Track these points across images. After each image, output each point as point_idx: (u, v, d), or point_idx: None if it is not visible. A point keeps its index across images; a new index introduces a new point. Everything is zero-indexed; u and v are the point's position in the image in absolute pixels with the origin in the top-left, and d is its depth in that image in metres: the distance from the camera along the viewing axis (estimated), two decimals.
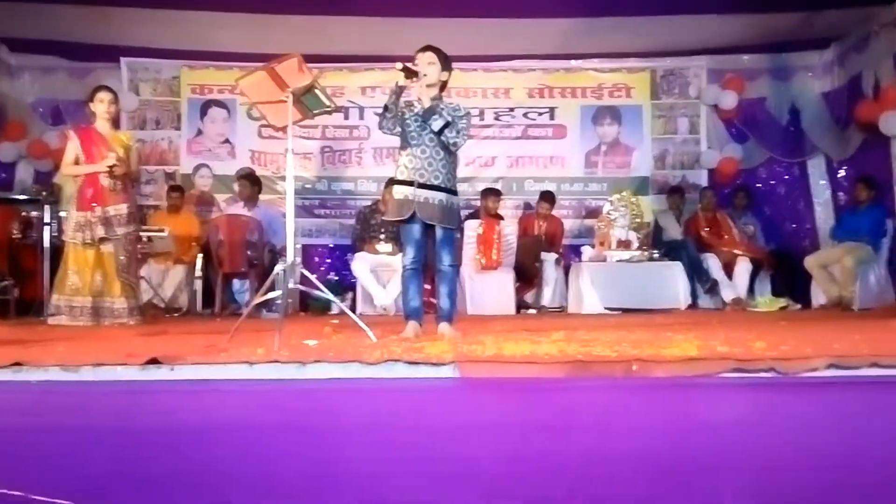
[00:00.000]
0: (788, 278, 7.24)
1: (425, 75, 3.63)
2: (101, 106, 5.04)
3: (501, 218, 7.32)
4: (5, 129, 7.66)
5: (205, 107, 8.14)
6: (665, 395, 2.16)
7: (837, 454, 1.96)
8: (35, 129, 7.82)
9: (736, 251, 7.16)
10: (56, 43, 7.49)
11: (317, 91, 3.64)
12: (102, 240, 4.91)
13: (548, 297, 7.11)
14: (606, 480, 1.97)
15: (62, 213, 5.55)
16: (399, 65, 3.54)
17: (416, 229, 3.72)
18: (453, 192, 3.74)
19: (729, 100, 7.96)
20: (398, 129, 3.70)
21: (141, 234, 5.75)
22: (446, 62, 3.73)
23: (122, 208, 4.97)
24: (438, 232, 3.72)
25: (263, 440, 2.02)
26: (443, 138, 3.60)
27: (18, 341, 3.46)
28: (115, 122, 5.44)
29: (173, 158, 8.11)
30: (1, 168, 7.83)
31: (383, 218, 6.20)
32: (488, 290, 6.75)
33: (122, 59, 7.93)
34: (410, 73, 3.55)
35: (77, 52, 7.67)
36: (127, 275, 4.99)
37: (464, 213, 7.38)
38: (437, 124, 3.56)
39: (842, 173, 7.79)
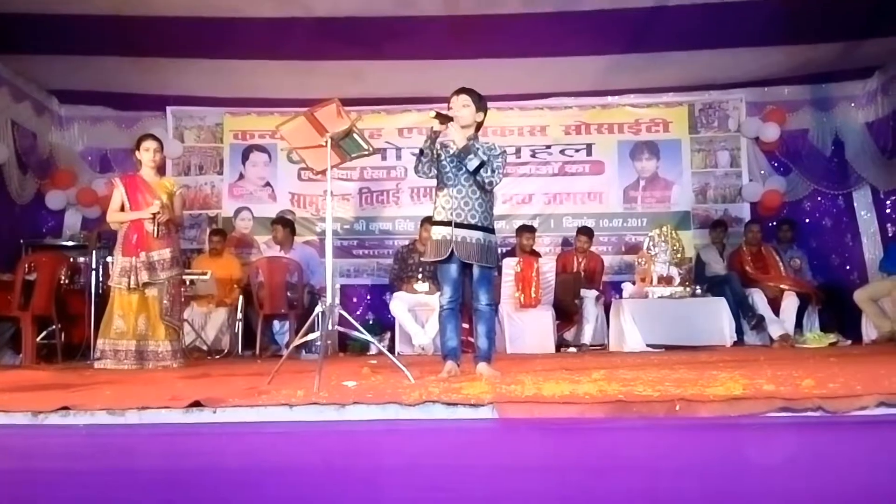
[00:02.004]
0: (837, 313, 7.04)
1: (460, 117, 3.68)
2: (146, 154, 5.18)
3: (539, 255, 7.29)
4: (55, 177, 7.92)
5: (246, 151, 8.33)
6: (709, 436, 2.11)
7: (891, 496, 1.88)
8: (84, 177, 8.07)
9: (782, 286, 7.00)
10: (104, 94, 7.78)
11: (355, 135, 3.69)
12: (146, 284, 5.01)
13: (588, 334, 7.02)
14: None
15: (108, 259, 5.69)
16: (432, 112, 3.60)
17: (453, 269, 3.72)
18: (491, 231, 3.74)
19: (770, 132, 7.89)
20: (434, 172, 3.73)
21: (184, 277, 5.86)
22: (481, 103, 3.76)
23: (166, 253, 5.07)
24: (476, 271, 3.72)
25: (304, 482, 2.02)
26: (478, 178, 3.63)
27: (66, 385, 3.53)
28: (161, 169, 5.59)
29: (216, 202, 8.29)
30: (50, 215, 8.07)
31: (422, 258, 6.25)
32: (527, 328, 6.69)
33: (168, 108, 8.19)
34: (444, 119, 3.61)
35: (124, 101, 7.94)
36: (171, 318, 5.07)
37: (501, 250, 7.40)
38: (472, 164, 3.59)
39: (889, 204, 7.62)
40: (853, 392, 2.24)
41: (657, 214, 8.02)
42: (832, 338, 6.56)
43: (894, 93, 7.38)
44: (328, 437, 2.30)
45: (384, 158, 8.22)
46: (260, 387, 3.09)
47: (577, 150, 8.27)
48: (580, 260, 7.47)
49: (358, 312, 7.91)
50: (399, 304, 6.77)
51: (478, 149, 3.67)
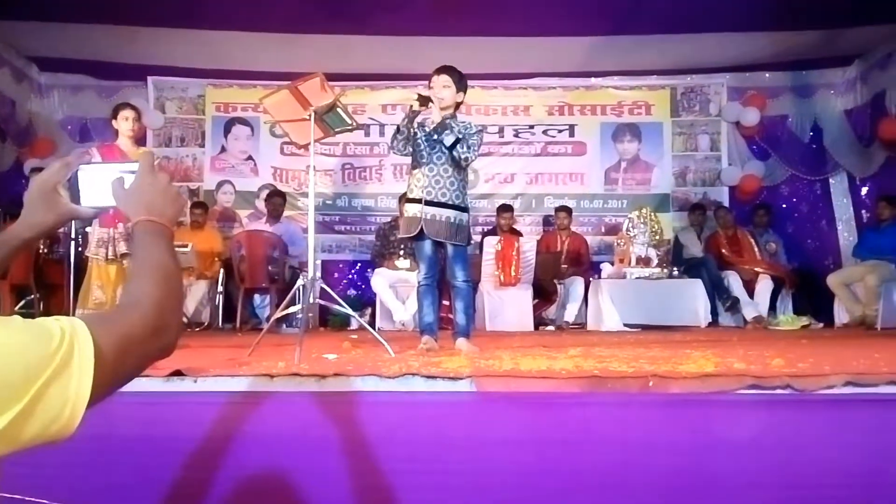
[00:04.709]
0: (811, 297, 7.18)
1: (441, 99, 3.71)
2: (124, 123, 5.09)
3: (519, 234, 7.33)
4: (34, 145, 7.81)
5: (228, 124, 8.26)
6: (681, 412, 2.17)
7: (854, 472, 1.96)
8: (63, 146, 7.96)
9: (757, 269, 7.11)
10: (85, 62, 7.66)
11: (339, 110, 3.70)
12: (124, 255, 4.97)
13: (572, 313, 7.09)
14: (621, 495, 1.98)
15: (87, 229, 5.64)
16: (416, 95, 3.65)
17: (427, 246, 3.77)
18: (463, 210, 3.78)
19: (751, 117, 7.95)
20: (408, 149, 3.79)
21: None
22: (461, 83, 3.79)
23: None
24: (449, 249, 3.76)
25: (283, 451, 2.06)
26: (454, 153, 3.66)
27: None
28: (140, 140, 5.52)
29: (197, 175, 8.23)
30: (29, 184, 7.95)
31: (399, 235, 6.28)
32: (507, 306, 6.75)
33: (149, 78, 8.08)
34: (425, 101, 3.65)
35: (105, 70, 7.82)
36: None
37: (483, 229, 7.43)
38: (448, 139, 3.63)
39: (864, 191, 7.74)
40: (821, 371, 2.30)
41: (637, 196, 8.08)
42: (805, 320, 6.69)
43: (873, 81, 7.46)
44: (308, 407, 2.33)
45: (367, 135, 8.18)
46: (240, 358, 3.11)
47: (559, 131, 8.29)
48: (563, 240, 7.52)
49: (339, 288, 7.92)
50: (380, 280, 6.80)
51: (454, 126, 3.70)
